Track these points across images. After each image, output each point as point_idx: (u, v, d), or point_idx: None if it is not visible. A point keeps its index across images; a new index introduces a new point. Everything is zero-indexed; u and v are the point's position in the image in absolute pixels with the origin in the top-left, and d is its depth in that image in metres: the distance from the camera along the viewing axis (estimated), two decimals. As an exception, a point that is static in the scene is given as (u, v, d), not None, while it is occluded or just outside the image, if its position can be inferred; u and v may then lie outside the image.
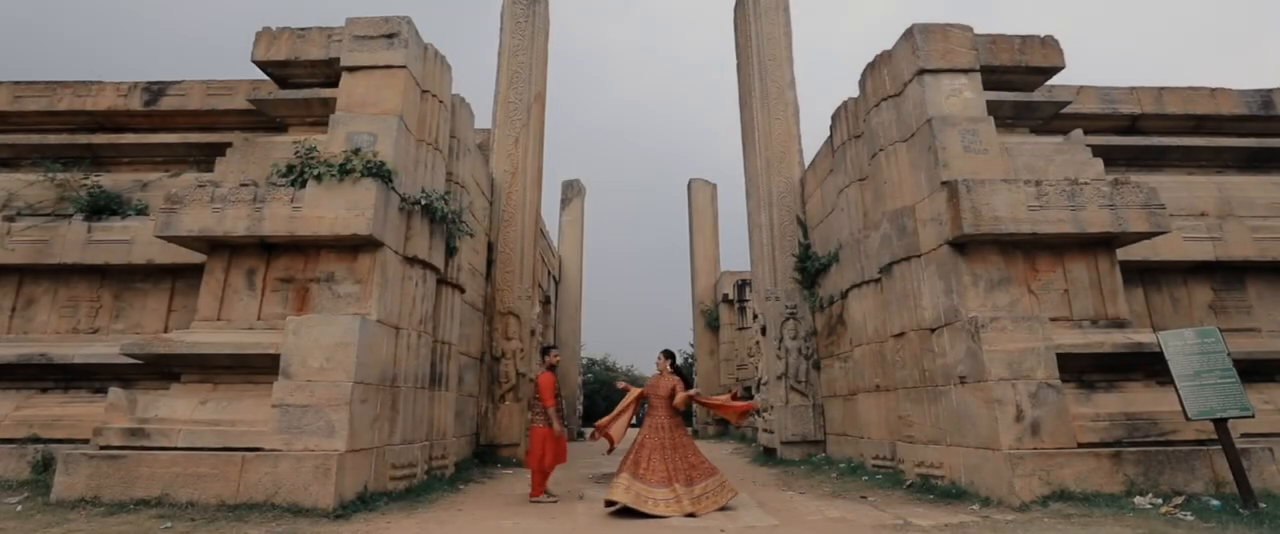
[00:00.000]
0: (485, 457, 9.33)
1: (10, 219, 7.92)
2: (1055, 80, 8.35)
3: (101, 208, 7.91)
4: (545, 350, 6.71)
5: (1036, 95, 7.44)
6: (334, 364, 5.48)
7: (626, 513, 5.23)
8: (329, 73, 7.43)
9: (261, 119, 8.21)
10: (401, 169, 6.66)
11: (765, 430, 10.36)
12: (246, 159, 7.16)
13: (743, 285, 18.65)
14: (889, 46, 7.66)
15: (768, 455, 10.11)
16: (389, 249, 6.36)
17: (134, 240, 7.68)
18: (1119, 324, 6.24)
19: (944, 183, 6.39)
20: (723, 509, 5.44)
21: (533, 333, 10.89)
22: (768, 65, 11.02)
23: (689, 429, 6.24)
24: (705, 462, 5.72)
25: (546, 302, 17.95)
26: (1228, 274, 8.15)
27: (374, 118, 6.61)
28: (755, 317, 11.31)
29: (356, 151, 6.24)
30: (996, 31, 7.63)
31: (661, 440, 5.67)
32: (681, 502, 5.26)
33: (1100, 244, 6.44)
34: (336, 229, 5.94)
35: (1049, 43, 7.50)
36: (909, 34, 7.18)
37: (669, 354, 6.24)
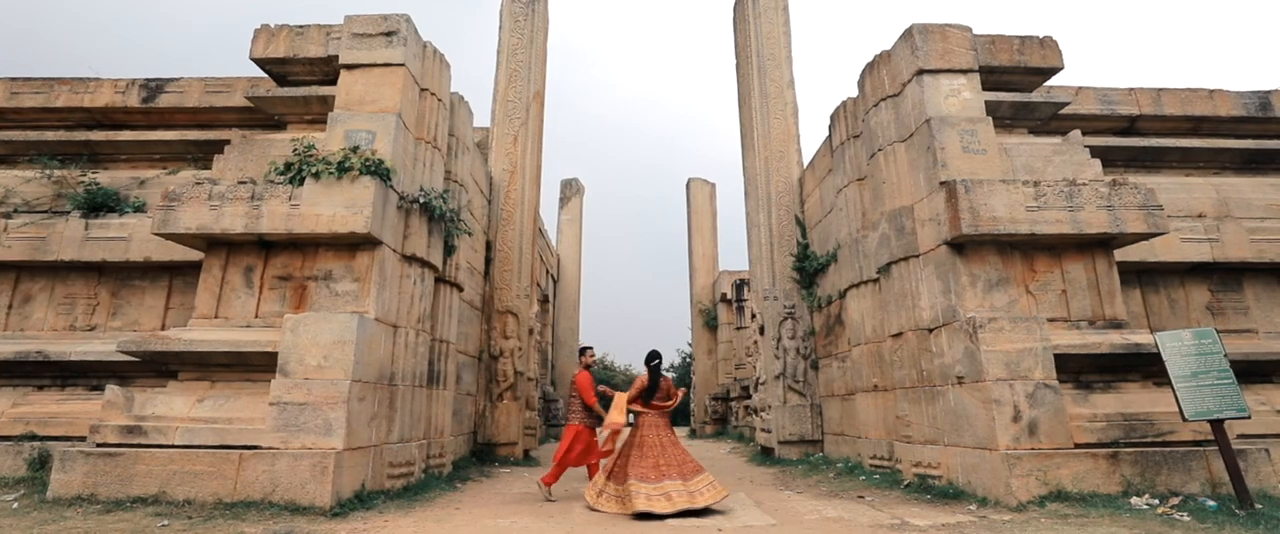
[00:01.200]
0: (483, 455, 9.33)
1: (7, 216, 7.90)
2: (1054, 81, 8.37)
3: (99, 205, 7.89)
4: (582, 351, 6.84)
5: (1035, 96, 7.44)
6: (332, 362, 5.47)
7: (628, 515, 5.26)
8: (328, 71, 7.41)
9: (260, 117, 8.20)
10: (400, 167, 6.65)
11: (763, 430, 10.37)
12: (245, 157, 7.15)
13: (741, 285, 18.66)
14: (888, 47, 7.66)
15: (765, 455, 10.12)
16: (387, 247, 6.35)
17: (131, 238, 7.67)
18: (1116, 325, 6.25)
19: (942, 183, 6.40)
20: (707, 513, 5.28)
21: (531, 332, 10.89)
22: (767, 65, 11.02)
23: (680, 429, 6.23)
24: (673, 463, 5.47)
25: (545, 300, 17.95)
26: (1225, 275, 8.17)
27: (372, 116, 6.60)
28: (753, 316, 11.31)
29: (355, 149, 6.23)
30: (995, 32, 7.62)
31: (629, 438, 5.89)
32: (597, 496, 5.56)
33: (1098, 245, 6.45)
34: (335, 227, 5.93)
35: (1048, 43, 7.51)
36: (908, 34, 7.18)
37: (647, 358, 6.14)
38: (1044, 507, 4.96)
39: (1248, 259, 7.94)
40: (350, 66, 6.89)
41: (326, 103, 7.22)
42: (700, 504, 5.22)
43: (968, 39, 7.07)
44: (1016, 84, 7.59)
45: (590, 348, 6.86)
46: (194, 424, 5.42)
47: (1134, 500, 4.95)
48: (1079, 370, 6.03)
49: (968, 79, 6.92)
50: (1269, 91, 9.11)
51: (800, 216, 10.43)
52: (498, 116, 10.92)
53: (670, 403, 6.00)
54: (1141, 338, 5.93)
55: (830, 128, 9.21)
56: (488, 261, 10.13)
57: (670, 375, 6.31)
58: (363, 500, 5.40)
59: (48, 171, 8.12)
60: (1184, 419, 5.00)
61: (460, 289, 8.32)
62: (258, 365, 5.85)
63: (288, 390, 5.38)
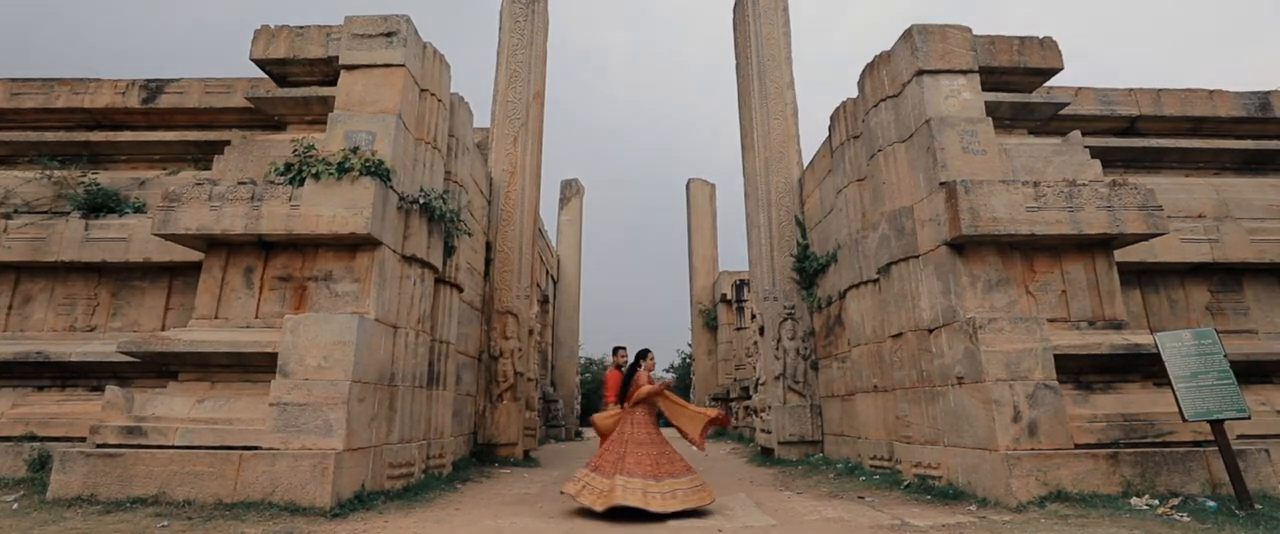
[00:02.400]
0: (483, 456, 9.33)
1: (7, 216, 7.90)
2: (1053, 81, 8.37)
3: (99, 205, 7.89)
4: (614, 350, 6.79)
5: (1035, 96, 7.44)
6: (332, 363, 5.47)
7: (626, 514, 5.16)
8: (328, 71, 7.42)
9: (260, 117, 8.20)
10: (400, 168, 6.65)
11: (763, 430, 10.37)
12: (245, 157, 7.15)
13: (741, 285, 18.67)
14: (888, 47, 7.67)
15: (765, 455, 10.12)
16: (387, 248, 6.35)
17: (131, 238, 7.67)
18: (1116, 325, 6.25)
19: (942, 183, 6.40)
20: (699, 513, 5.25)
21: (531, 332, 10.89)
22: (766, 66, 11.03)
23: (662, 429, 6.12)
24: (645, 461, 5.37)
25: (545, 301, 17.95)
26: (1225, 276, 8.16)
27: (372, 116, 6.60)
28: (753, 317, 11.32)
29: (355, 150, 6.24)
30: (995, 33, 7.63)
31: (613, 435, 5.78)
32: (578, 488, 5.39)
33: (1098, 245, 6.45)
34: (335, 228, 5.93)
35: (1047, 44, 7.51)
36: (908, 35, 7.19)
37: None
38: (1044, 507, 4.96)
39: (1248, 260, 7.94)
40: (350, 67, 6.89)
41: (327, 103, 7.22)
42: (669, 508, 5.02)
43: (967, 40, 7.08)
44: (1016, 85, 7.59)
45: (623, 348, 6.80)
46: (194, 425, 5.42)
47: (1134, 501, 4.94)
48: (1079, 371, 6.03)
49: (967, 80, 6.92)
50: (1268, 92, 9.12)
51: (800, 217, 10.44)
52: (497, 117, 10.93)
53: (637, 393, 5.81)
54: (1141, 338, 5.93)
55: (830, 128, 9.22)
56: (488, 262, 10.13)
57: (656, 374, 6.23)
58: (363, 501, 5.40)
59: (48, 172, 8.12)
60: (1184, 419, 5.00)
61: (460, 290, 8.32)
62: (258, 366, 5.85)
63: (288, 391, 5.38)
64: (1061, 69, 7.49)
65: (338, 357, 5.49)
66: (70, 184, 8.06)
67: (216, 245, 6.36)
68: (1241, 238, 8.02)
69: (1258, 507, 4.69)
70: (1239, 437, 6.51)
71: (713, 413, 5.98)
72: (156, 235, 6.18)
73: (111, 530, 4.31)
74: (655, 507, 4.98)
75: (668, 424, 6.20)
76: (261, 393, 5.67)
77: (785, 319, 9.99)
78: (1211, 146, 8.80)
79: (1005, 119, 7.47)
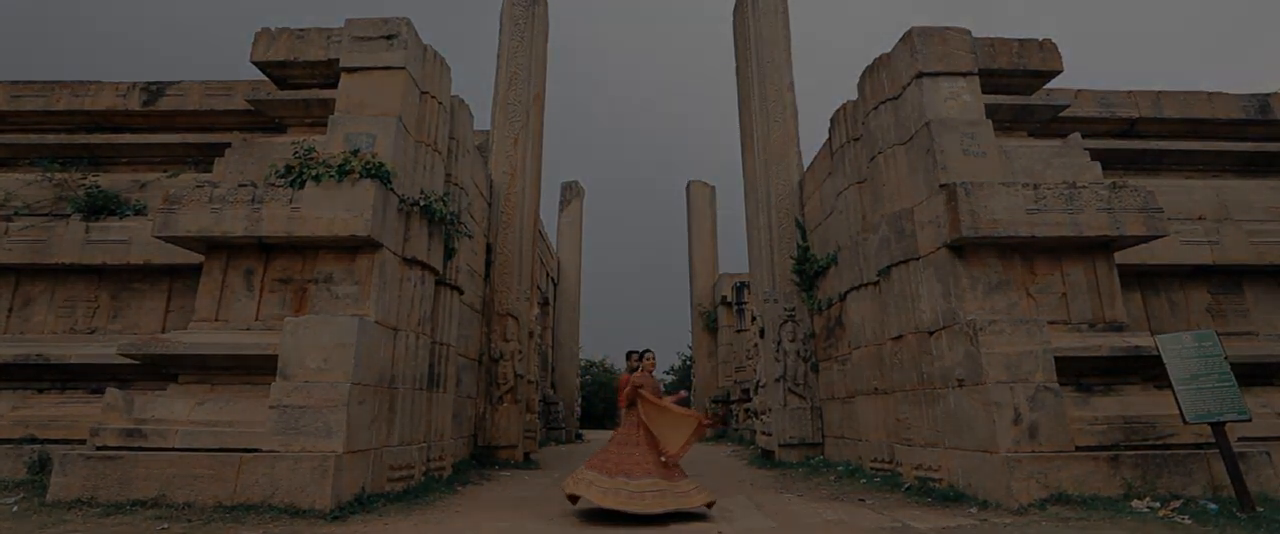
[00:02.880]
0: (483, 458, 9.32)
1: (8, 218, 7.91)
2: (1053, 84, 8.37)
3: (99, 208, 7.90)
4: (627, 355, 6.76)
5: (1035, 99, 7.45)
6: (332, 365, 5.47)
7: (627, 516, 5.13)
8: (328, 73, 7.42)
9: (260, 119, 8.21)
10: (400, 170, 6.66)
11: (763, 433, 10.36)
12: (245, 159, 7.15)
13: (741, 287, 18.67)
14: (888, 49, 7.68)
15: (766, 458, 10.11)
16: (387, 250, 6.35)
17: (132, 240, 7.67)
18: (1117, 327, 6.25)
19: (942, 185, 6.40)
20: (698, 517, 5.26)
21: (531, 334, 10.89)
22: (766, 68, 11.04)
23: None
24: (626, 462, 5.37)
25: (545, 303, 17.95)
26: (1225, 278, 8.16)
27: (373, 119, 6.60)
28: (753, 319, 11.32)
29: (355, 152, 6.24)
30: (995, 35, 7.64)
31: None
32: (573, 481, 5.50)
33: (1098, 247, 6.45)
34: (335, 230, 5.93)
35: (1047, 46, 7.52)
36: (908, 37, 7.19)
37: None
38: (1045, 509, 4.95)
39: (1248, 262, 7.95)
40: (351, 70, 6.90)
41: (327, 106, 7.23)
42: (606, 505, 5.00)
43: (967, 42, 7.08)
44: (1016, 87, 7.60)
45: (635, 352, 6.79)
46: (194, 427, 5.42)
47: (1135, 503, 4.94)
48: (1079, 373, 6.03)
49: (967, 82, 6.92)
50: (1268, 94, 9.12)
51: (800, 219, 10.44)
52: (498, 119, 10.94)
53: (622, 395, 5.85)
54: (1142, 340, 5.93)
55: (830, 130, 9.22)
56: (488, 264, 10.13)
57: (656, 377, 6.26)
58: (363, 503, 5.39)
59: (48, 174, 8.13)
60: (1185, 422, 5.00)
61: (460, 292, 8.32)
62: (258, 368, 5.85)
63: (288, 393, 5.37)
64: (1061, 71, 7.50)
65: (338, 359, 5.49)
66: (71, 186, 8.06)
67: (217, 247, 6.37)
68: (1241, 240, 8.03)
69: (1259, 509, 4.69)
70: (1240, 439, 6.50)
71: (698, 416, 5.85)
72: (157, 237, 6.18)
73: (111, 533, 4.31)
74: (594, 498, 5.12)
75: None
76: (261, 395, 5.66)
77: (785, 321, 9.99)
78: (1211, 149, 8.80)
79: (1005, 121, 7.48)
